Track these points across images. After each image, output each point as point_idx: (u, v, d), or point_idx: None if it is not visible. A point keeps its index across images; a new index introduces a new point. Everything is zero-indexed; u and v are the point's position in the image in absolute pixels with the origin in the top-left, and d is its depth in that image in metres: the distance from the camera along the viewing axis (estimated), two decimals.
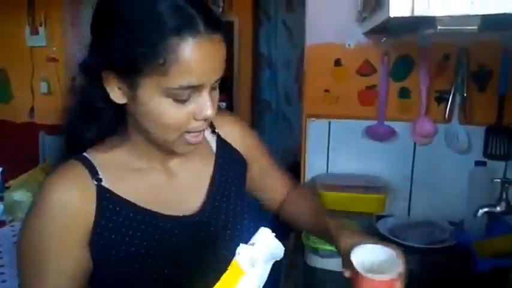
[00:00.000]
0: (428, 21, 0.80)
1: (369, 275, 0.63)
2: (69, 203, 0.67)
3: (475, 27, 0.76)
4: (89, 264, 0.70)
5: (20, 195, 1.83)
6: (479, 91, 1.47)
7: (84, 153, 0.72)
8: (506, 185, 1.18)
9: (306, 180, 1.63)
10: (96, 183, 0.70)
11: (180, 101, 0.63)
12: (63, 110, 0.73)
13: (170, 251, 0.73)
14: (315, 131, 1.59)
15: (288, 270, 1.21)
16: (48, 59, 3.20)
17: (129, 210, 0.71)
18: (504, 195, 1.18)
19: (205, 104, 0.65)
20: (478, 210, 1.14)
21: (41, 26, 3.15)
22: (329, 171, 1.60)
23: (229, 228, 0.80)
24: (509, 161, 1.43)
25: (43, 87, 3.23)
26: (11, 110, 3.35)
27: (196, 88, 0.63)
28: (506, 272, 1.12)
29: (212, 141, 0.85)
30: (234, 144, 0.87)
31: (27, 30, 3.17)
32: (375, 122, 1.53)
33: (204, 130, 0.70)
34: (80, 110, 0.71)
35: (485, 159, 1.41)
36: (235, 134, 0.88)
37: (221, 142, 0.85)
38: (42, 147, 2.70)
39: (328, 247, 1.04)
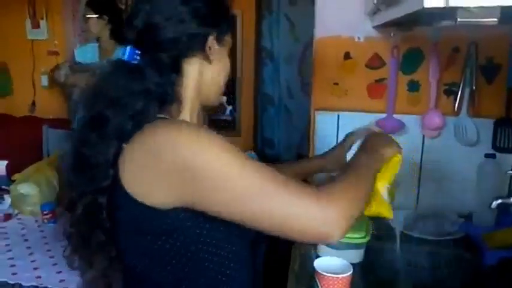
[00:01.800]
0: (449, 14, 0.80)
1: (329, 275, 0.94)
2: None
3: (495, 20, 0.76)
4: None
5: (25, 188, 1.83)
6: (488, 84, 1.48)
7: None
8: None
9: None
10: None
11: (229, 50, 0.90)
12: (124, 92, 0.75)
13: None
14: (323, 124, 1.59)
15: (301, 261, 1.22)
16: (49, 52, 3.19)
17: None
18: None
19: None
20: (492, 202, 1.15)
21: (42, 19, 3.14)
22: None
23: None
24: None
25: (44, 80, 3.21)
26: (12, 104, 3.34)
27: None
28: None
29: None
30: None
31: (28, 23, 3.15)
32: (384, 115, 1.54)
33: None
34: (149, 86, 0.77)
35: (494, 152, 1.42)
36: None
37: None
38: (46, 141, 2.69)
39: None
